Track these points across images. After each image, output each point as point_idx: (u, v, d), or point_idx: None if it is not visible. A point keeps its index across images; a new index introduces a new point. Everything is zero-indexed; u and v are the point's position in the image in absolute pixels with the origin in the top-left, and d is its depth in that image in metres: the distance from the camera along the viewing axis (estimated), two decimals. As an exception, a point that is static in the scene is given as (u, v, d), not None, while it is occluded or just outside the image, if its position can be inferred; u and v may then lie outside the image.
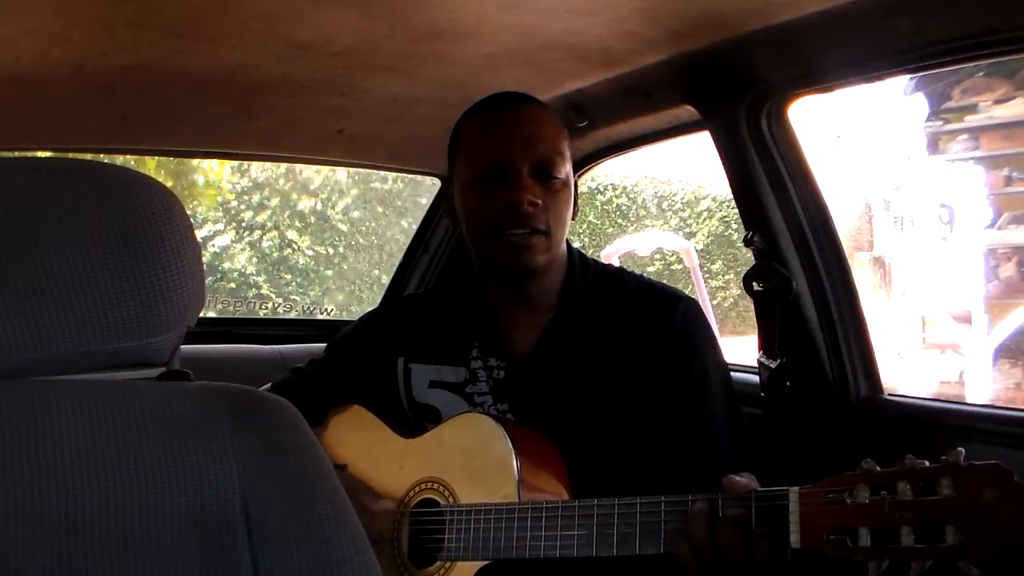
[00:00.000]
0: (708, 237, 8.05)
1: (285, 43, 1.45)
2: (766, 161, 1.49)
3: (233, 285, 7.05)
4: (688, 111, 1.61)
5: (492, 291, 1.39)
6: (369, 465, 1.36)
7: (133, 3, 1.27)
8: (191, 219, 0.78)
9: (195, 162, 4.98)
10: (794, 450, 1.47)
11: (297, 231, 7.38)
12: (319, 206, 7.34)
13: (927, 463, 0.90)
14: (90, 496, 0.68)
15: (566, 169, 1.34)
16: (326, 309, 5.72)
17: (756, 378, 1.54)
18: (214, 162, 5.07)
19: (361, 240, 7.49)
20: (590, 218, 7.82)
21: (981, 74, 5.69)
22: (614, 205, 8.10)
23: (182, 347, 0.78)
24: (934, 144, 6.15)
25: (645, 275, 1.48)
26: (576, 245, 1.45)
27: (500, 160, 1.30)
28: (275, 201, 7.25)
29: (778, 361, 1.48)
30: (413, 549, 1.29)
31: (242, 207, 7.12)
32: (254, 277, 7.20)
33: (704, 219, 8.13)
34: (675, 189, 8.18)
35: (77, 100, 1.66)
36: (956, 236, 5.87)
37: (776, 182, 1.49)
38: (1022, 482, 0.85)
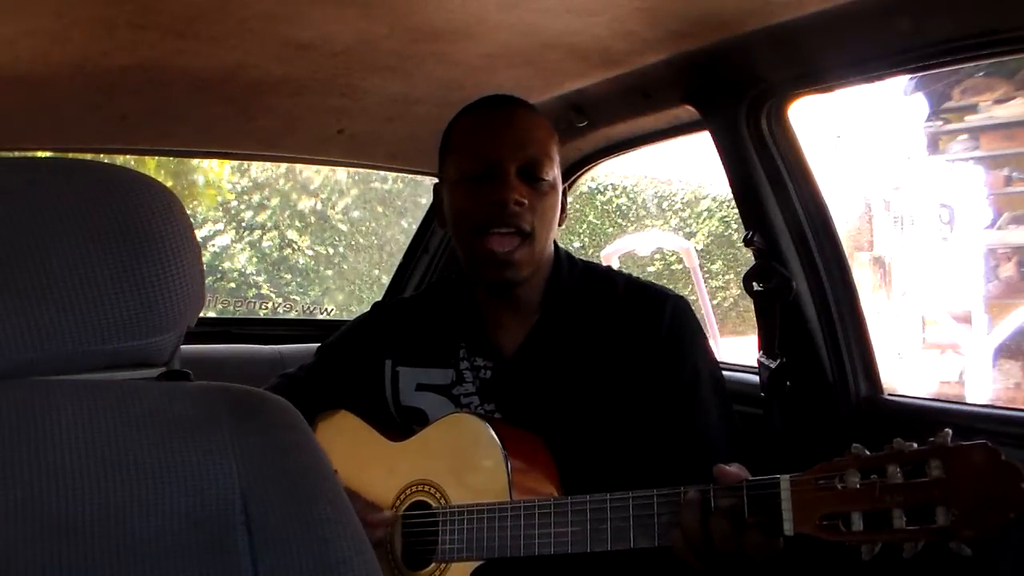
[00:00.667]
0: (708, 237, 8.05)
1: (285, 43, 1.45)
2: (766, 161, 1.49)
3: (233, 285, 7.05)
4: (688, 111, 1.61)
5: (480, 293, 1.40)
6: (358, 469, 1.35)
7: (133, 3, 1.27)
8: (191, 219, 0.78)
9: (195, 162, 4.98)
10: (794, 450, 1.47)
11: (297, 231, 7.38)
12: (319, 206, 7.34)
13: (915, 445, 0.91)
14: (90, 496, 0.68)
15: (554, 172, 1.34)
16: (326, 309, 5.73)
17: (756, 378, 1.54)
18: (214, 162, 5.08)
19: (361, 240, 7.49)
20: (590, 218, 7.82)
21: (981, 74, 5.69)
22: (614, 205, 8.10)
23: (182, 347, 0.78)
24: (934, 144, 6.14)
25: (639, 275, 1.48)
26: (576, 245, 1.45)
27: (488, 159, 1.31)
28: (275, 201, 7.25)
29: (778, 361, 1.48)
30: (407, 552, 1.29)
31: (242, 207, 7.12)
32: (254, 277, 7.20)
33: (704, 219, 8.13)
34: (675, 189, 8.18)
35: (77, 100, 1.66)
36: (956, 236, 5.87)
37: (776, 182, 1.49)
38: (1011, 460, 0.86)
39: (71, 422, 0.70)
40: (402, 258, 2.53)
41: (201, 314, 0.79)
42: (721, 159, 1.57)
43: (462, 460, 1.27)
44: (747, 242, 1.52)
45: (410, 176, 3.21)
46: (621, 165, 7.71)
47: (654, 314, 1.34)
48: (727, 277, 7.88)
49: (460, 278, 1.44)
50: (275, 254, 7.33)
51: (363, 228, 7.50)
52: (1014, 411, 1.36)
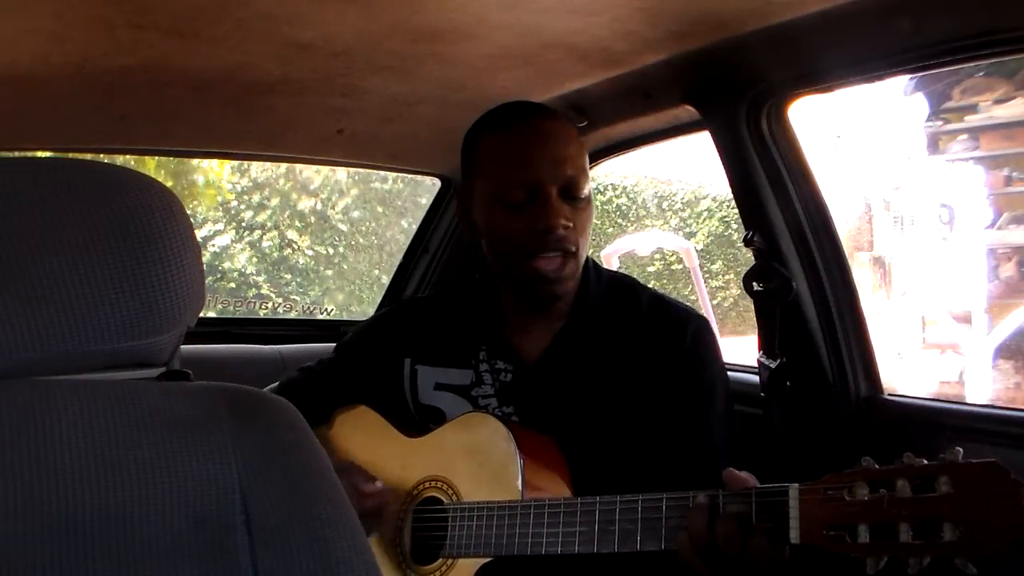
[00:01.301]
0: (708, 237, 8.05)
1: (285, 43, 1.45)
2: (766, 161, 1.49)
3: (233, 285, 7.04)
4: (688, 111, 1.61)
5: (507, 296, 1.40)
6: (373, 463, 1.37)
7: (133, 3, 1.26)
8: (191, 219, 0.78)
9: (195, 162, 4.98)
10: (794, 450, 1.47)
11: (297, 231, 7.38)
12: (319, 206, 7.34)
13: (925, 461, 0.91)
14: (90, 496, 0.68)
15: (589, 186, 1.34)
16: (326, 309, 5.72)
17: (756, 378, 1.54)
18: (214, 162, 5.07)
19: (361, 240, 7.49)
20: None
21: (981, 74, 5.69)
22: (614, 205, 8.10)
23: (182, 347, 0.78)
24: (934, 144, 6.14)
25: (639, 275, 1.48)
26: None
27: (528, 184, 1.29)
28: (275, 201, 7.24)
29: (778, 361, 1.48)
30: (416, 546, 1.30)
31: (242, 207, 7.12)
32: (254, 277, 7.20)
33: (704, 219, 8.13)
34: (675, 189, 8.18)
35: (77, 100, 1.66)
36: (956, 236, 5.87)
37: (776, 182, 1.49)
38: (1019, 480, 0.86)
39: (71, 422, 0.70)
40: (402, 258, 2.53)
41: (201, 314, 0.79)
42: (721, 159, 1.57)
43: (476, 458, 1.27)
44: (747, 242, 1.52)
45: (410, 176, 3.22)
46: (621, 165, 7.71)
47: (676, 334, 1.35)
48: (727, 277, 7.88)
49: (484, 279, 1.44)
50: (275, 254, 7.33)
51: (363, 228, 7.49)
52: (1014, 411, 1.36)
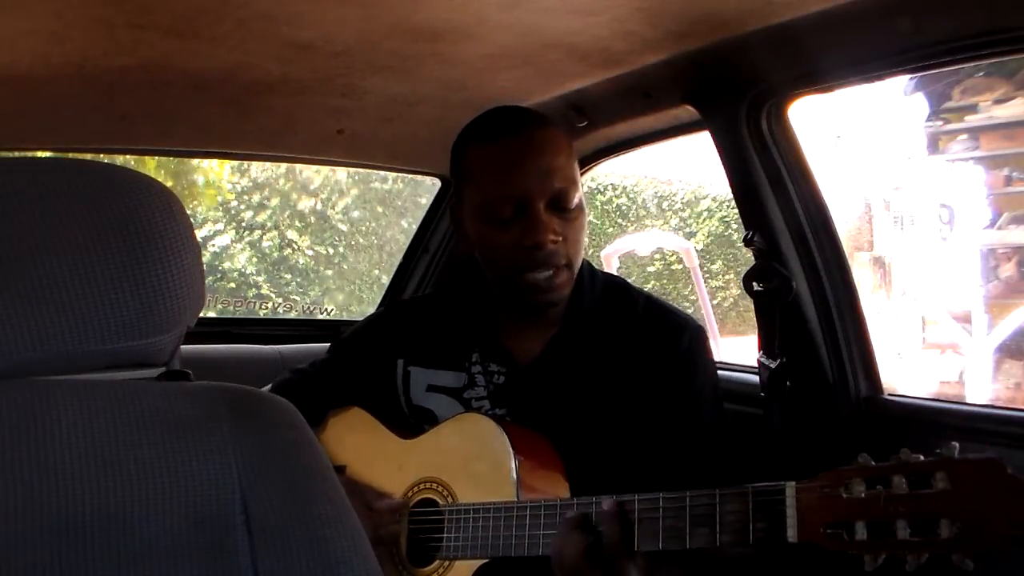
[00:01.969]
0: (708, 237, 8.05)
1: (285, 43, 1.45)
2: (766, 161, 1.49)
3: (233, 285, 7.04)
4: (688, 111, 1.61)
5: (501, 299, 1.39)
6: (368, 466, 1.36)
7: (133, 3, 1.26)
8: (191, 219, 0.78)
9: (195, 162, 4.98)
10: (794, 450, 1.47)
11: (297, 231, 7.38)
12: (319, 206, 7.33)
13: (921, 457, 0.91)
14: (90, 496, 0.68)
15: (580, 195, 1.32)
16: (326, 309, 5.72)
17: (756, 378, 1.54)
18: (214, 162, 5.07)
19: (361, 240, 7.48)
20: (590, 218, 7.79)
21: (981, 74, 5.69)
22: (614, 205, 8.10)
23: (182, 347, 0.78)
24: (934, 144, 6.14)
25: (639, 276, 1.48)
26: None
27: (515, 197, 1.28)
28: (275, 201, 7.24)
29: (778, 361, 1.48)
30: (412, 548, 1.29)
31: (242, 207, 7.12)
32: (254, 277, 7.20)
33: (704, 219, 8.13)
34: (675, 189, 8.18)
35: (77, 100, 1.66)
36: (956, 236, 5.87)
37: (776, 182, 1.49)
38: (1016, 475, 0.86)
39: (71, 422, 0.70)
40: (402, 258, 2.53)
41: (201, 314, 0.79)
42: (721, 159, 1.57)
43: (471, 459, 1.27)
44: (747, 242, 1.52)
45: (410, 176, 3.22)
46: (621, 165, 7.70)
47: (672, 342, 1.35)
48: (727, 277, 7.88)
49: (478, 281, 1.44)
50: (275, 254, 7.33)
51: (363, 228, 7.49)
52: (1014, 411, 1.36)
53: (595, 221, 7.87)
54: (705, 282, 5.98)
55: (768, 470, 1.08)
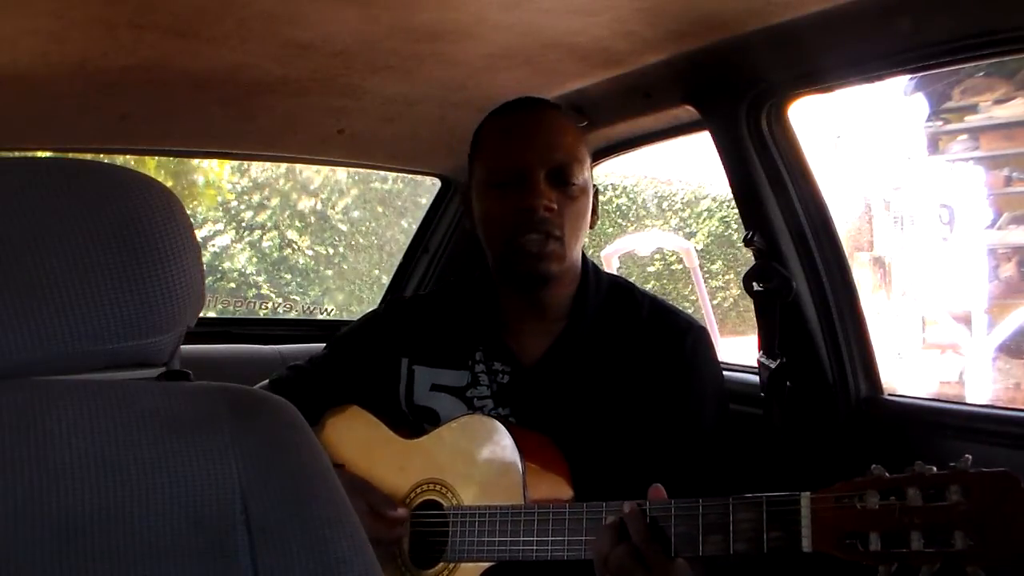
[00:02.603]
0: (708, 237, 8.05)
1: (285, 43, 1.45)
2: (766, 161, 1.49)
3: (233, 285, 7.04)
4: (688, 111, 1.61)
5: (505, 296, 1.39)
6: (369, 466, 1.36)
7: (133, 3, 1.26)
8: (191, 219, 0.78)
9: (195, 162, 4.98)
10: (794, 450, 1.47)
11: (297, 231, 7.38)
12: (319, 206, 7.33)
13: (935, 469, 0.91)
14: (90, 496, 0.68)
15: (584, 176, 1.34)
16: (326, 309, 5.72)
17: (756, 378, 1.54)
18: (214, 162, 5.07)
19: (361, 240, 7.48)
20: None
21: (981, 74, 5.69)
22: (614, 205, 8.09)
23: (182, 347, 0.78)
24: (934, 144, 6.14)
25: (639, 276, 1.49)
26: (575, 245, 1.44)
27: (517, 165, 1.31)
28: (275, 201, 7.24)
29: (778, 361, 1.48)
30: (415, 550, 1.29)
31: (242, 207, 7.11)
32: (254, 277, 7.20)
33: (704, 219, 8.13)
34: (675, 189, 8.18)
35: (77, 100, 1.66)
36: (956, 236, 5.87)
37: (776, 182, 1.49)
38: None
39: (71, 422, 0.70)
40: (402, 258, 2.53)
41: (201, 314, 0.79)
42: (721, 159, 1.57)
43: (476, 461, 1.27)
44: (747, 242, 1.52)
45: (410, 176, 3.21)
46: (621, 165, 7.70)
47: (676, 343, 1.35)
48: (727, 277, 7.87)
49: (483, 278, 1.44)
50: (275, 254, 7.32)
51: (363, 228, 7.49)
52: (1014, 411, 1.36)
53: (595, 221, 7.85)
54: (705, 282, 5.97)
55: (768, 470, 1.08)
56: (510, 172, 1.31)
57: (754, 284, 1.51)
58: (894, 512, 0.91)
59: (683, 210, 8.19)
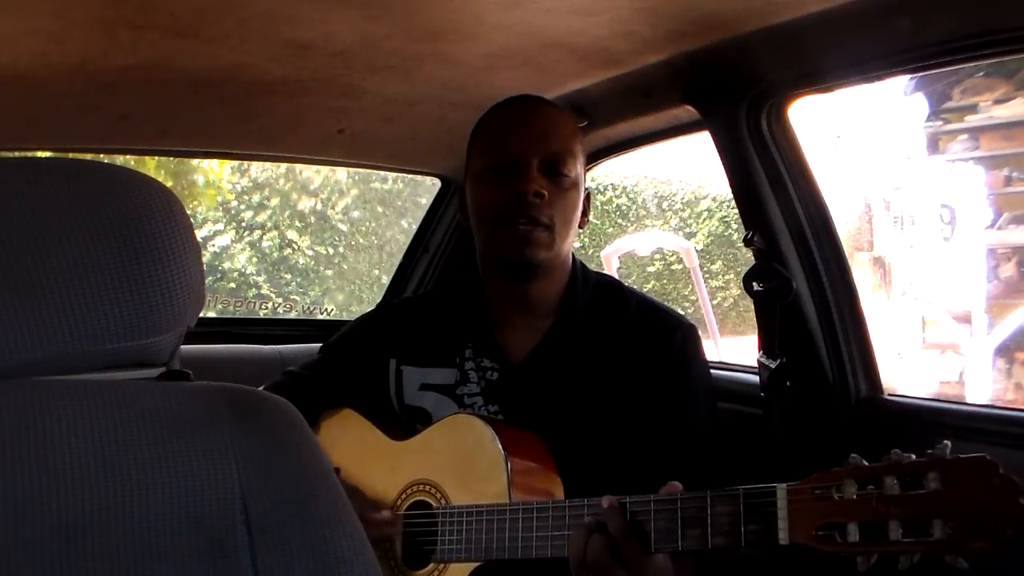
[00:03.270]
0: (708, 237, 8.05)
1: (285, 43, 1.45)
2: (766, 161, 1.49)
3: (233, 285, 7.04)
4: (688, 111, 1.61)
5: (493, 290, 1.40)
6: (361, 468, 1.36)
7: (133, 3, 1.27)
8: (191, 219, 0.78)
9: (195, 162, 4.98)
10: (794, 450, 1.47)
11: (297, 231, 7.38)
12: (319, 206, 7.33)
13: (913, 457, 0.90)
14: (90, 496, 0.68)
15: (576, 170, 1.35)
16: (326, 309, 5.72)
17: (756, 378, 1.54)
18: (214, 162, 5.07)
19: (361, 240, 7.48)
20: (590, 218, 7.79)
21: (981, 74, 5.70)
22: (614, 205, 8.10)
23: (182, 347, 0.78)
24: (934, 144, 6.15)
25: (639, 276, 1.49)
26: (576, 245, 1.45)
27: (511, 152, 1.32)
28: (275, 201, 7.24)
29: (778, 361, 1.48)
30: (407, 551, 1.29)
31: (242, 207, 7.11)
32: (254, 277, 7.20)
33: (704, 219, 8.13)
34: (675, 189, 8.18)
35: (77, 100, 1.66)
36: (956, 236, 5.87)
37: (776, 182, 1.49)
38: (1008, 474, 0.85)
39: (71, 422, 0.70)
40: (402, 258, 2.53)
41: (201, 314, 0.79)
42: (721, 159, 1.57)
43: (463, 461, 1.27)
44: (747, 242, 1.52)
45: (410, 176, 3.21)
46: (621, 165, 7.71)
47: (665, 340, 1.35)
48: (727, 277, 7.88)
49: (472, 277, 1.45)
50: (275, 254, 7.33)
51: (363, 228, 7.49)
52: (1014, 411, 1.36)
53: (595, 221, 7.87)
54: (705, 282, 5.97)
55: (768, 470, 1.08)
56: (505, 159, 1.33)
57: (754, 284, 1.51)
58: (872, 502, 0.90)
59: (683, 210, 8.19)
